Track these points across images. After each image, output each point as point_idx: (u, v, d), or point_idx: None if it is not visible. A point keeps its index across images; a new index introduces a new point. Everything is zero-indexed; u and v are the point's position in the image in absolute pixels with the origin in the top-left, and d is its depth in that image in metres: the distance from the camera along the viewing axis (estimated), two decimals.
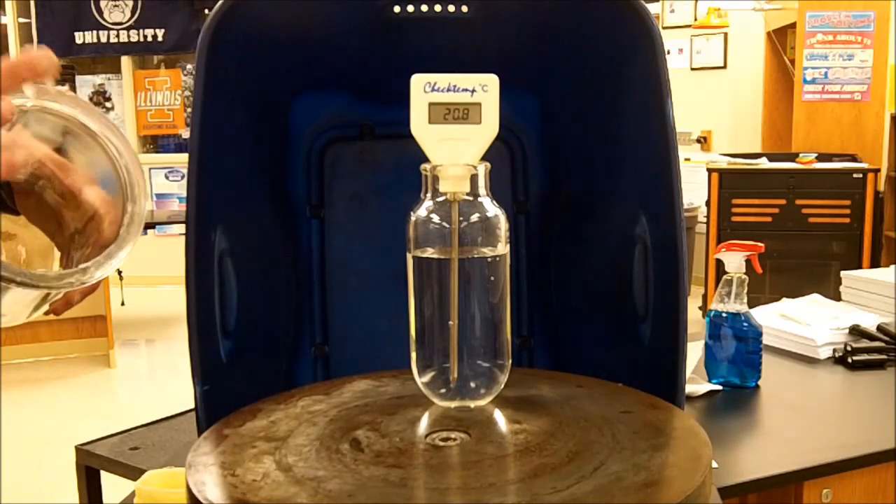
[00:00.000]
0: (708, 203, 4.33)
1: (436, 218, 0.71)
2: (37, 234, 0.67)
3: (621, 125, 0.90)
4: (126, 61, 6.49)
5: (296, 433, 0.70)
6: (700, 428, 0.69)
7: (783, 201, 4.19)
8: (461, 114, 0.70)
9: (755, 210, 4.24)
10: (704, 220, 4.50)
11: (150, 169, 6.51)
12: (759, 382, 1.49)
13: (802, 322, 1.75)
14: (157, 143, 6.76)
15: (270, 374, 0.95)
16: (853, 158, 4.36)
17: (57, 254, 0.66)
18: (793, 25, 4.72)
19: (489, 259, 0.72)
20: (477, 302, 0.72)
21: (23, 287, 0.59)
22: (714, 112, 5.63)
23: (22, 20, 6.43)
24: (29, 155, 0.57)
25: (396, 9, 0.86)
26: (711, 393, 1.46)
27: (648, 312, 0.88)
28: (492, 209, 0.72)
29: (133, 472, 1.16)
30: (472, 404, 0.74)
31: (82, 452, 1.27)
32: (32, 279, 0.60)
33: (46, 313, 0.67)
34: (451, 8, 0.86)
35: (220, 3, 0.81)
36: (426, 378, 0.74)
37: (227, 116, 0.85)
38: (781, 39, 5.12)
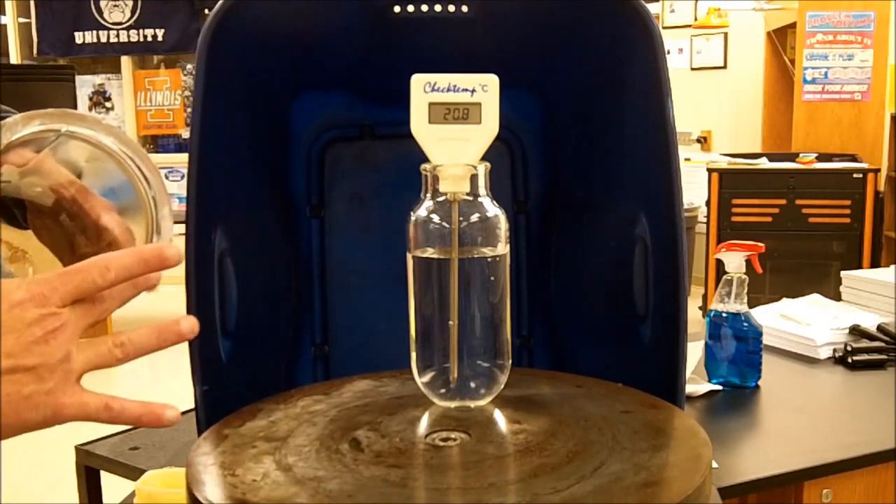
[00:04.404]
0: (708, 203, 4.32)
1: (436, 218, 0.71)
2: (42, 250, 0.68)
3: (621, 125, 0.90)
4: (126, 61, 6.48)
5: (296, 433, 0.70)
6: (700, 428, 0.69)
7: (783, 201, 4.18)
8: (461, 114, 0.70)
9: (755, 210, 4.23)
10: (704, 220, 4.50)
11: None
12: (759, 382, 1.49)
13: (802, 322, 1.75)
14: (157, 143, 6.75)
15: (270, 374, 0.95)
16: (853, 158, 4.36)
17: None
18: (793, 25, 4.71)
19: (489, 259, 0.72)
20: (477, 302, 0.72)
21: None
22: (714, 112, 5.62)
23: (22, 20, 6.42)
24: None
25: (396, 9, 0.86)
26: (711, 393, 1.45)
27: (648, 312, 0.88)
28: (492, 209, 0.72)
29: (133, 472, 1.16)
30: (472, 404, 0.74)
31: (82, 452, 1.27)
32: None
33: None
34: (451, 8, 0.86)
35: (220, 3, 0.81)
36: (426, 378, 0.74)
37: (227, 116, 0.85)
38: (781, 39, 5.11)
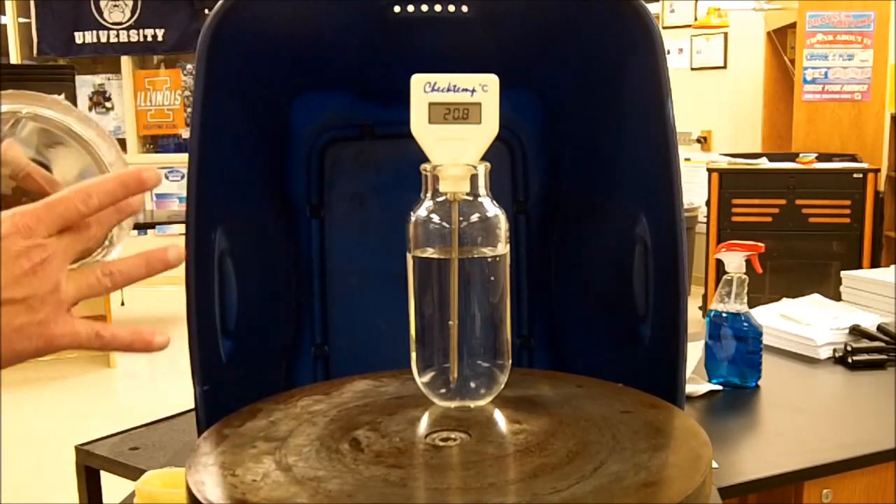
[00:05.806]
0: (708, 203, 4.32)
1: (436, 218, 0.71)
2: None
3: (621, 125, 0.90)
4: (126, 61, 6.48)
5: (296, 433, 0.70)
6: (700, 428, 0.69)
7: (783, 201, 4.18)
8: (461, 114, 0.70)
9: (755, 210, 4.23)
10: (704, 220, 4.50)
11: None
12: (759, 382, 1.49)
13: (802, 322, 1.75)
14: (157, 143, 6.75)
15: (270, 374, 0.95)
16: (853, 158, 4.36)
17: None
18: (793, 25, 4.71)
19: (489, 259, 0.72)
20: (477, 302, 0.72)
21: None
22: (714, 112, 5.62)
23: (22, 20, 6.42)
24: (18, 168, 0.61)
25: (396, 9, 0.86)
26: (711, 393, 1.45)
27: (648, 312, 0.88)
28: (492, 209, 0.72)
29: (133, 472, 1.16)
30: (472, 404, 0.74)
31: (82, 452, 1.27)
32: None
33: None
34: (451, 8, 0.86)
35: (220, 3, 0.81)
36: (426, 378, 0.74)
37: (227, 116, 0.85)
38: (781, 39, 5.11)
